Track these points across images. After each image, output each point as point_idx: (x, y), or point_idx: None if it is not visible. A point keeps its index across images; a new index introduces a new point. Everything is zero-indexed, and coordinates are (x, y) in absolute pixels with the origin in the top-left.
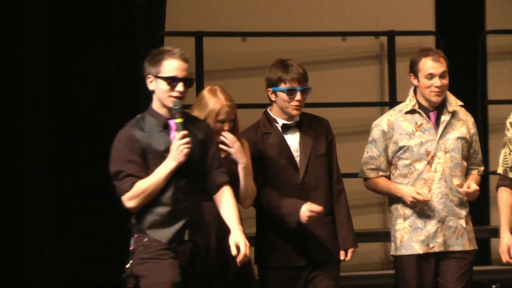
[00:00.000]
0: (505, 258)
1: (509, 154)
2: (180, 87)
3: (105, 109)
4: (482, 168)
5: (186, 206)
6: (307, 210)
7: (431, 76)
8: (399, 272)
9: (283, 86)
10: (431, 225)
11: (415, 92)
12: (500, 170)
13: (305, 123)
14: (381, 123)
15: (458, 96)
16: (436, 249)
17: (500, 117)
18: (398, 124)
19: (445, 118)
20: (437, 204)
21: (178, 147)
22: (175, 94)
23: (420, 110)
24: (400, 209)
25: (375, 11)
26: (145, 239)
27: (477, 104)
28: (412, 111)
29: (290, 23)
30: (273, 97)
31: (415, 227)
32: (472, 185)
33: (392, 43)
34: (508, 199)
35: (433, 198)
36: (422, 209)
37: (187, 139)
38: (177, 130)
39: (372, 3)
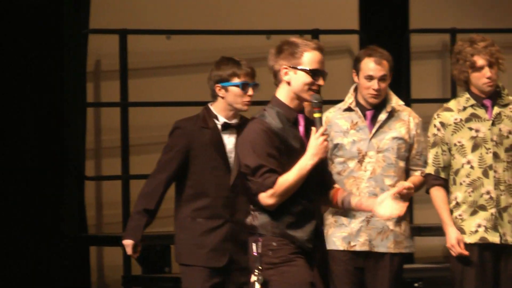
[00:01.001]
0: (457, 250)
1: (442, 154)
2: (321, 80)
3: (33, 104)
4: (426, 170)
5: (317, 205)
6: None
7: (370, 78)
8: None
9: (236, 80)
10: (355, 223)
11: (355, 89)
12: (430, 170)
13: (243, 127)
14: None
15: None
16: (358, 248)
17: (423, 116)
18: (335, 121)
19: (381, 117)
20: None
21: (322, 143)
22: (315, 87)
23: (356, 108)
24: None
25: (300, 9)
26: (273, 243)
27: None
28: (349, 109)
29: (215, 21)
30: (221, 93)
31: (340, 223)
32: (401, 184)
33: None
34: (445, 196)
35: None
36: None
37: (326, 135)
38: (316, 125)
39: (297, 2)
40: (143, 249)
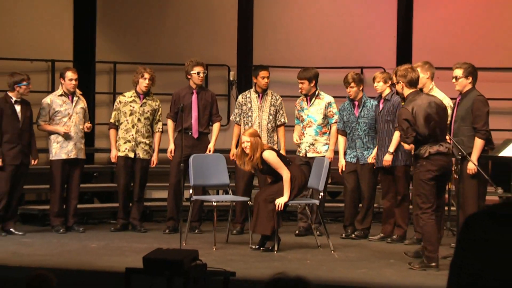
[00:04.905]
0: (114, 160)
1: (117, 115)
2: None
3: None
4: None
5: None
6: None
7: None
8: None
9: (25, 82)
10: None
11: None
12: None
13: None
14: None
15: None
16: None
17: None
18: (55, 101)
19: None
20: None
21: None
22: None
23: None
24: None
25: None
26: (424, 162)
27: None
28: (62, 95)
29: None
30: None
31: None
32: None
33: None
34: (116, 136)
35: None
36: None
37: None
38: None
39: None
40: None
